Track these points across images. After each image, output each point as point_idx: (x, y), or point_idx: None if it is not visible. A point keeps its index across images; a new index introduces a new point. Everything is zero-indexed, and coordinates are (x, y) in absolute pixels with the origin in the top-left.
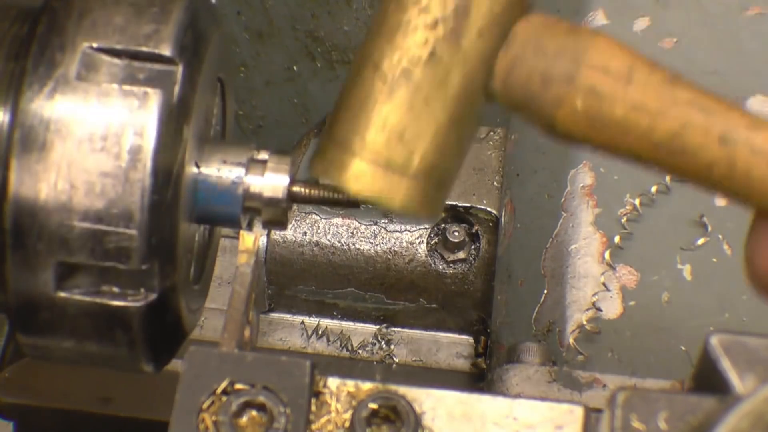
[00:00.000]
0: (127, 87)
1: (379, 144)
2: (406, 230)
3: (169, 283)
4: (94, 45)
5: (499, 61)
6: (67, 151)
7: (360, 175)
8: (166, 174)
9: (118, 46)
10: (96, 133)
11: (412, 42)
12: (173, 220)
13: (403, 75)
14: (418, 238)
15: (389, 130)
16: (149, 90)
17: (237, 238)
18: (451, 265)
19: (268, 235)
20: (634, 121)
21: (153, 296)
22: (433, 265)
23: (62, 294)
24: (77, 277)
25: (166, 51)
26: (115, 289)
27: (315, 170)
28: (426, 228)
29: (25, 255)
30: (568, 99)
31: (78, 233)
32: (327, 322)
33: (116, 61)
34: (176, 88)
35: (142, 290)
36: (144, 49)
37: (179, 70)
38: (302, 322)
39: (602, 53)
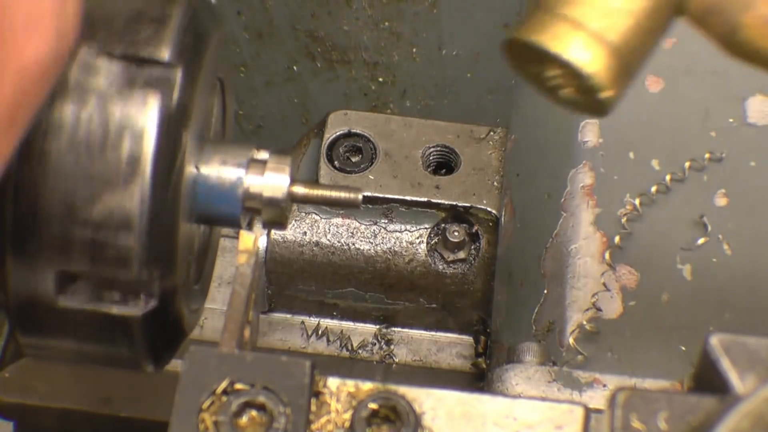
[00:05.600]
0: (126, 91)
1: (587, 15)
2: (406, 230)
3: (169, 286)
4: (93, 49)
5: None
6: (66, 158)
7: (563, 36)
8: (166, 180)
9: (117, 51)
10: (95, 140)
11: None
12: (173, 222)
13: None
14: (418, 238)
15: (598, 5)
16: (148, 94)
17: (237, 238)
18: (451, 265)
19: (268, 235)
20: None
21: (153, 302)
22: (433, 265)
23: (63, 301)
24: (78, 284)
25: (165, 55)
26: (116, 296)
27: (529, 33)
28: (426, 228)
29: (25, 261)
30: (757, 3)
31: (78, 241)
32: (327, 322)
33: (115, 65)
34: (175, 92)
35: (143, 297)
36: (143, 53)
37: (178, 73)
38: (302, 322)
39: None
